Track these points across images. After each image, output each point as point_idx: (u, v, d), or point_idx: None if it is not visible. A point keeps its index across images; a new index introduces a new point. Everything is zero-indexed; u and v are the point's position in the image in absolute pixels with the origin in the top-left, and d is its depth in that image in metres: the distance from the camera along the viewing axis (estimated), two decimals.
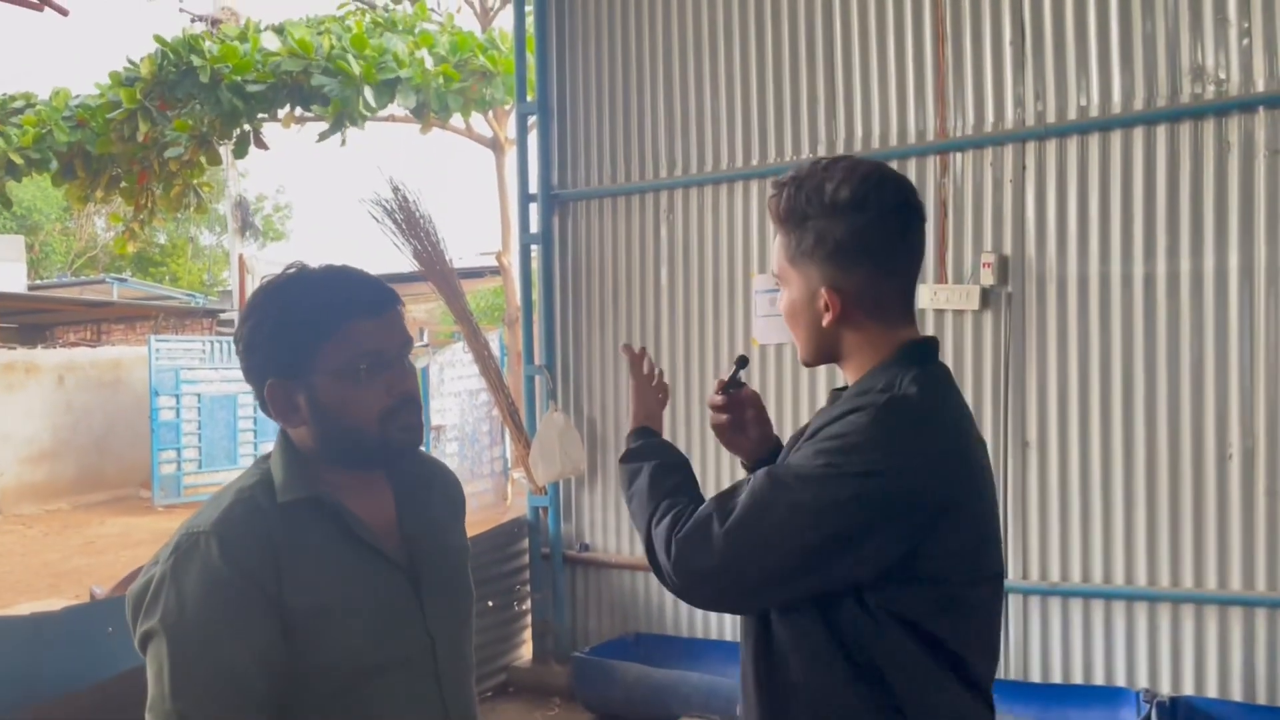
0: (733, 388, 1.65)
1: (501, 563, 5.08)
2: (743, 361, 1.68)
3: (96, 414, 13.93)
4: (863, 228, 1.40)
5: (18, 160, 8.94)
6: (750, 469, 1.65)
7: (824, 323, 1.42)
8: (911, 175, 4.09)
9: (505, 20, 10.83)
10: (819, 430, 1.39)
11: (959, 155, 4.04)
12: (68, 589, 8.45)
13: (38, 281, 23.20)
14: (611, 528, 4.93)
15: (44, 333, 18.52)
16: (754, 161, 4.51)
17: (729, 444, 1.67)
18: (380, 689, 1.39)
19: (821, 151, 4.29)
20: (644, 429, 1.63)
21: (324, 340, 1.36)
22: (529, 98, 5.10)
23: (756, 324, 4.54)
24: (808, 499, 1.31)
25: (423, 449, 1.59)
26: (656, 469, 1.53)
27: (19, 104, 9.42)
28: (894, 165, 4.09)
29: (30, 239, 26.76)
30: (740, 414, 1.66)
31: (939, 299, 4.02)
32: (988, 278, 3.94)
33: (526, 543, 5.15)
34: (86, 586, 8.05)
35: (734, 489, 1.40)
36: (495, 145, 10.72)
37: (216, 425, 13.52)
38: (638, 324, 4.83)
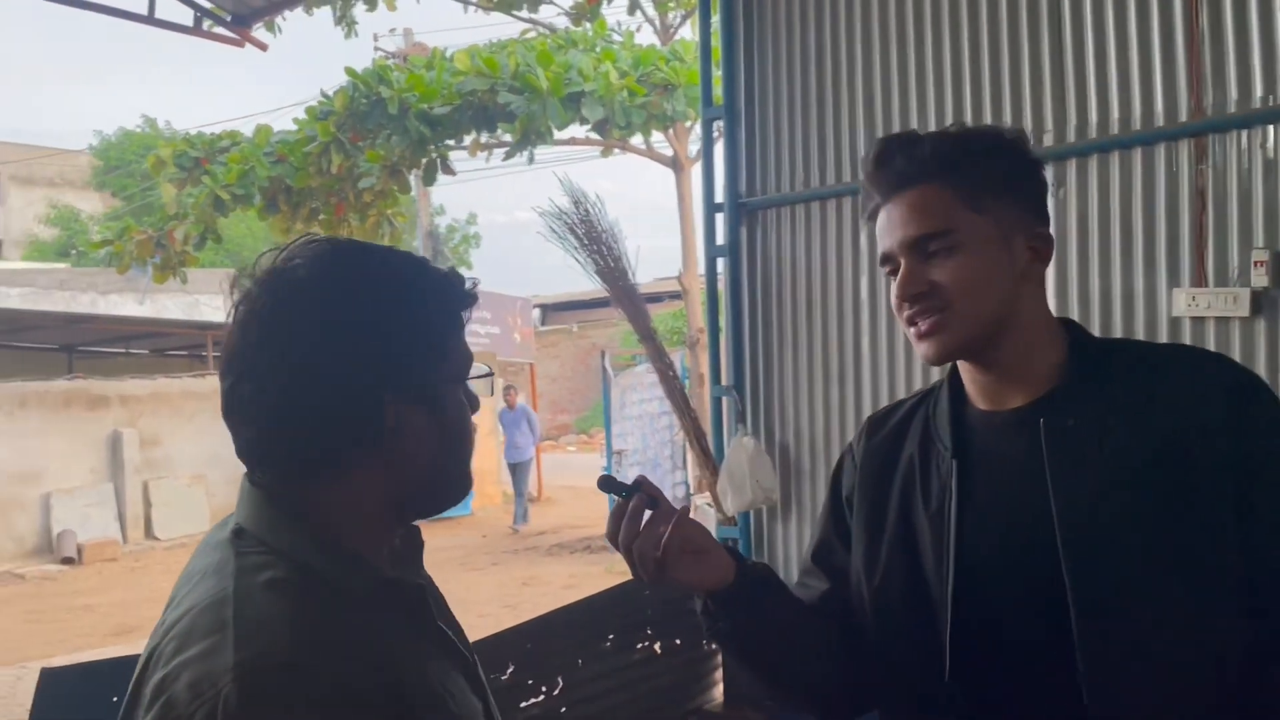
0: (627, 494, 1.18)
1: (689, 597, 4.75)
2: (606, 483, 1.23)
3: None
4: (1040, 172, 1.26)
5: (224, 197, 9.41)
6: (728, 595, 1.22)
7: (1021, 273, 1.19)
8: (1160, 163, 3.53)
9: (687, 35, 10.68)
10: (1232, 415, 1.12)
11: (1220, 137, 3.44)
12: None
13: None
14: None
15: None
16: None
17: (686, 576, 1.19)
18: None
19: (1048, 142, 3.77)
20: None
21: (453, 335, 1.00)
22: (715, 103, 4.80)
23: None
24: None
25: None
26: None
27: (225, 143, 9.94)
28: (1138, 152, 3.59)
29: (240, 272, 28.67)
30: (657, 527, 1.17)
31: (1198, 304, 3.43)
32: (1260, 279, 3.33)
33: None
34: None
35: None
36: (676, 164, 10.54)
37: None
38: (835, 341, 4.42)
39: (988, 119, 3.96)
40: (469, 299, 1.01)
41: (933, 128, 4.11)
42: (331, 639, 0.88)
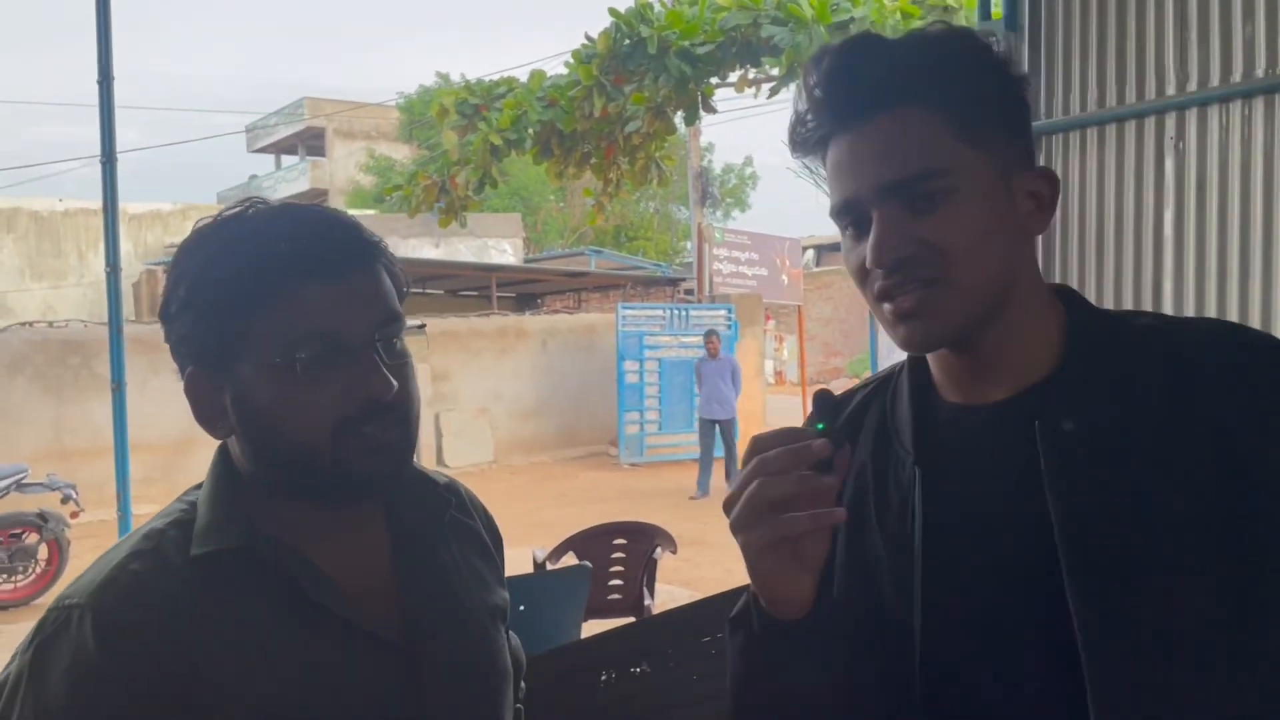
0: (823, 429, 0.90)
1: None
2: (822, 404, 0.95)
3: (573, 375, 15.17)
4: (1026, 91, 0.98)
5: (497, 141, 9.73)
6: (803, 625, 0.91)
7: (1021, 228, 0.93)
8: None
9: None
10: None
11: None
12: (537, 540, 9.15)
13: (533, 256, 26.06)
14: None
15: (535, 301, 20.69)
16: None
17: (797, 560, 0.88)
18: None
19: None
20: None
21: (252, 313, 0.95)
22: (994, 16, 4.28)
23: None
24: None
25: (431, 473, 1.13)
26: None
27: (501, 90, 10.27)
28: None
29: (531, 218, 30.23)
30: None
31: None
32: None
33: None
34: (553, 538, 8.64)
35: None
36: None
37: (674, 389, 14.07)
38: (1129, 285, 3.86)
39: None
40: (283, 272, 0.94)
41: (1263, 24, 3.43)
42: (130, 596, 0.92)
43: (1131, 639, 0.85)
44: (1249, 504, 0.85)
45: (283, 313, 0.94)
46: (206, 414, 1.00)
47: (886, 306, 0.92)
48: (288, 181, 36.49)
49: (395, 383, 0.96)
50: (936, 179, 0.89)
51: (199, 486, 1.04)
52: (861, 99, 0.91)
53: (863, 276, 0.94)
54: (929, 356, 1.00)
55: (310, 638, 0.97)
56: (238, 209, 1.00)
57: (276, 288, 0.94)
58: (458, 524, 1.14)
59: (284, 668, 0.95)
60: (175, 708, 0.91)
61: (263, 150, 39.20)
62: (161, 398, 11.01)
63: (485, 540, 1.18)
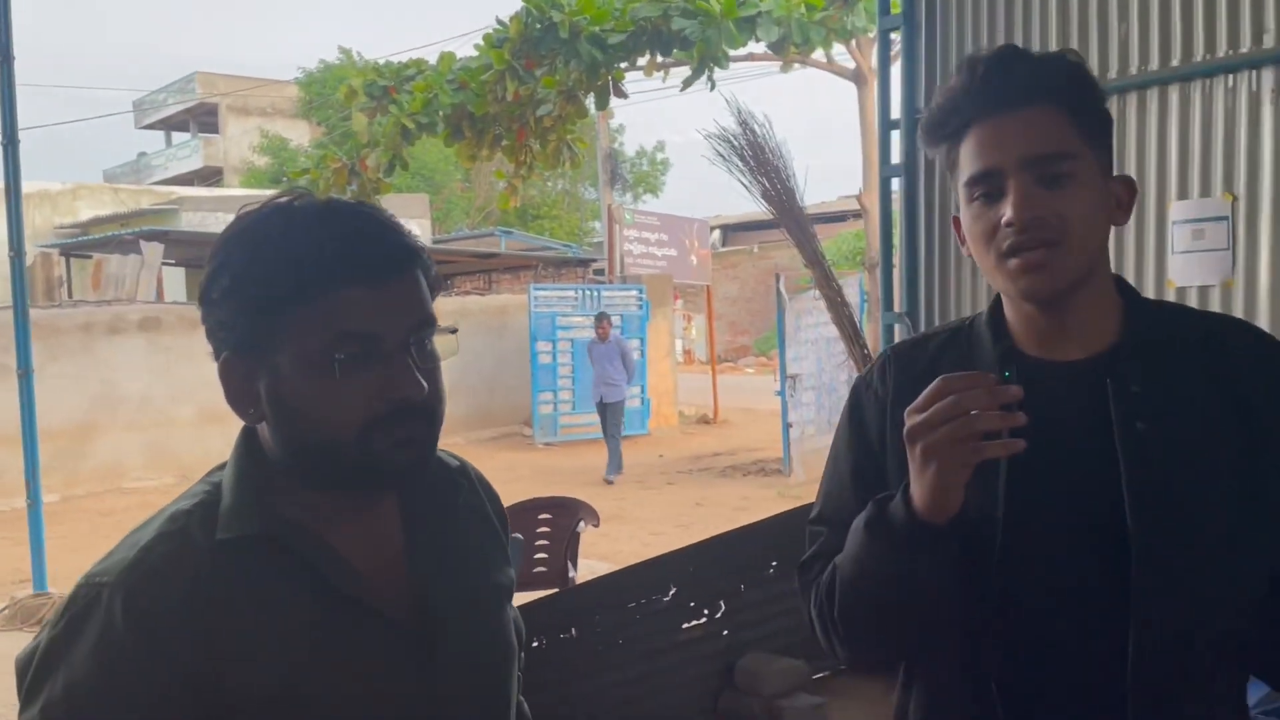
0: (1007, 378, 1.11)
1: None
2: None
3: (486, 357, 15.14)
4: None
5: (410, 125, 9.70)
6: (947, 527, 1.10)
7: (1115, 219, 1.18)
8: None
9: None
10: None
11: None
12: None
13: (440, 236, 25.80)
14: None
15: (445, 283, 20.52)
16: (1174, 61, 3.66)
17: (960, 476, 1.07)
18: None
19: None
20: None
21: (294, 309, 0.97)
22: (893, 10, 4.53)
23: (1173, 262, 3.72)
24: None
25: (443, 455, 1.17)
26: None
27: (411, 72, 10.22)
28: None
29: (434, 197, 29.84)
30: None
31: None
32: None
33: None
34: None
35: None
36: (858, 77, 10.11)
37: (587, 369, 14.18)
38: None
39: (1199, 10, 3.56)
40: (327, 273, 0.96)
41: (1136, 26, 3.74)
42: (157, 578, 0.96)
43: (1169, 538, 1.10)
44: (1264, 464, 1.13)
45: (324, 313, 0.96)
46: (238, 399, 1.02)
47: (1014, 261, 1.12)
48: (179, 159, 35.18)
49: (426, 385, 0.99)
50: (1068, 160, 1.12)
51: (222, 467, 1.07)
52: (1012, 94, 1.13)
53: (990, 236, 1.14)
54: (1017, 314, 1.21)
55: (328, 621, 1.00)
56: (285, 200, 1.01)
57: (320, 288, 0.96)
58: (468, 505, 1.18)
59: (301, 651, 0.98)
60: (196, 687, 0.95)
61: (152, 126, 37.75)
62: (60, 384, 10.67)
63: (493, 520, 1.22)
